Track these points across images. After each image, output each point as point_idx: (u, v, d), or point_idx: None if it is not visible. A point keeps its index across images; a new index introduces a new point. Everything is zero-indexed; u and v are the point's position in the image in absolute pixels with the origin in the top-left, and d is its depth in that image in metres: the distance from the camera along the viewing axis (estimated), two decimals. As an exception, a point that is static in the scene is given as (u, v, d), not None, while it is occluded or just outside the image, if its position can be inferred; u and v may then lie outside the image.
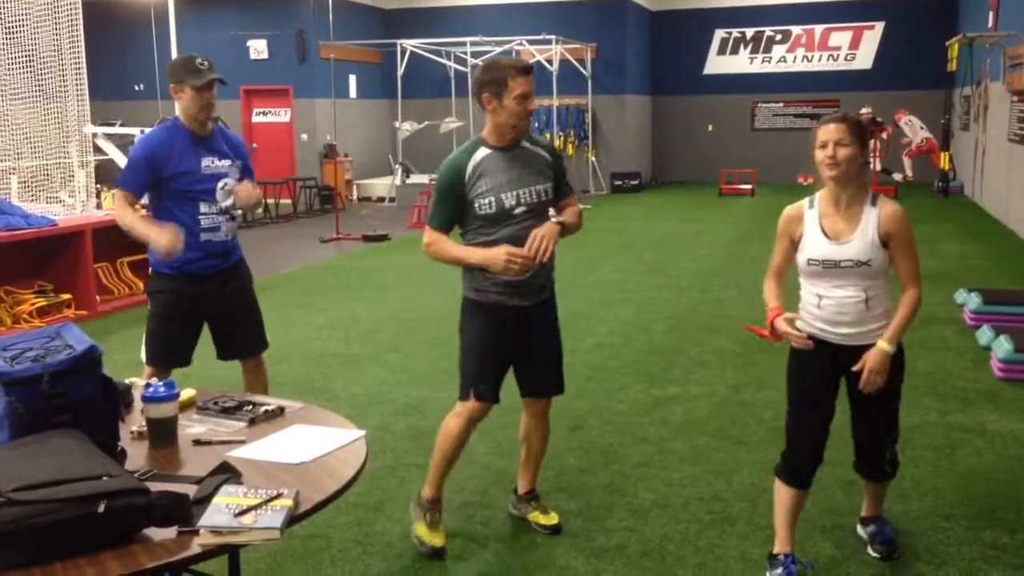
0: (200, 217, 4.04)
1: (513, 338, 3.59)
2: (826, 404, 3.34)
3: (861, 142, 3.18)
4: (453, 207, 3.48)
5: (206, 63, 4.02)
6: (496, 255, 3.35)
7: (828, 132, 3.16)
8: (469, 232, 3.54)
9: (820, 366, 3.30)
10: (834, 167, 3.14)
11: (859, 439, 3.44)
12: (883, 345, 3.17)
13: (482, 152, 3.48)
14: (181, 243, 3.86)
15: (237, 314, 4.25)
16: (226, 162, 4.11)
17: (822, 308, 3.24)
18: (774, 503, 3.44)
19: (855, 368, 3.19)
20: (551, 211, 3.48)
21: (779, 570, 3.35)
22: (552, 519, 3.82)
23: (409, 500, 4.05)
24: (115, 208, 4.14)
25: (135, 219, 4.06)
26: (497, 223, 3.45)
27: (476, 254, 3.44)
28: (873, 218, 3.18)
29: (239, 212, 4.23)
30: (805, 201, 3.32)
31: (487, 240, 3.46)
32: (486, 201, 3.43)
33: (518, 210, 3.45)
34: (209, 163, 4.06)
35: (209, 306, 4.16)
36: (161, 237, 3.83)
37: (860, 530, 3.69)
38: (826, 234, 3.21)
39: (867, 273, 3.18)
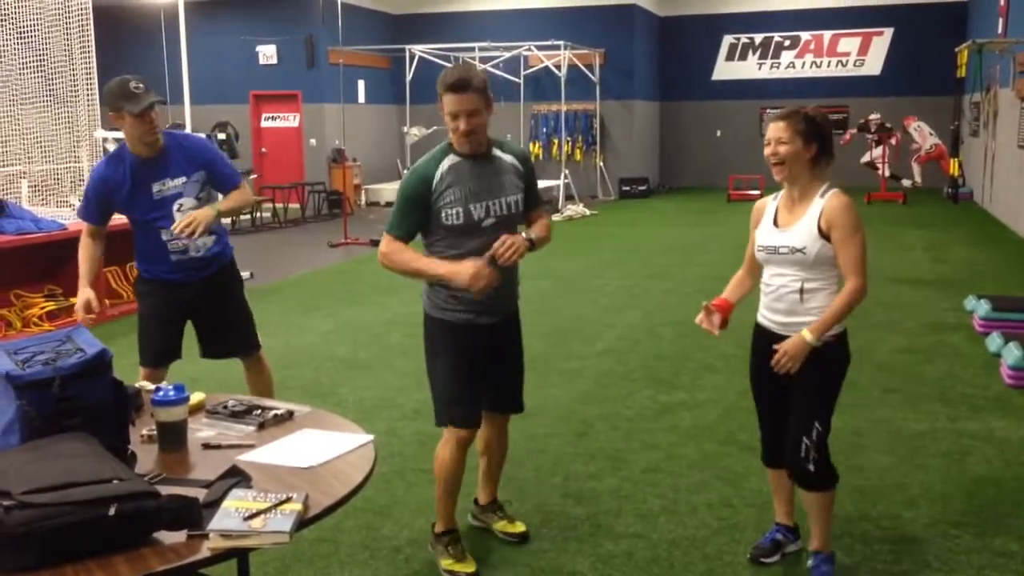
0: (165, 242, 4.02)
1: (487, 356, 3.48)
2: (773, 389, 3.40)
3: (807, 138, 3.18)
4: (418, 216, 3.30)
5: (141, 86, 3.85)
6: (463, 269, 3.18)
7: (770, 130, 3.23)
8: (434, 244, 3.36)
9: (764, 353, 3.35)
10: (776, 165, 3.22)
11: (789, 432, 3.34)
12: (804, 333, 3.17)
13: (451, 160, 3.31)
14: (92, 317, 3.91)
15: (220, 320, 4.25)
16: (179, 180, 3.99)
17: (766, 295, 3.36)
18: None
19: (775, 346, 3.22)
20: (523, 231, 3.38)
21: (767, 535, 3.63)
22: (519, 527, 3.78)
23: (416, 504, 4.07)
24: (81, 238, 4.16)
25: (82, 262, 4.08)
26: (464, 235, 3.29)
27: (441, 266, 3.25)
28: (817, 209, 3.21)
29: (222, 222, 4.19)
30: (771, 196, 3.42)
31: (454, 254, 3.29)
32: (453, 212, 3.26)
33: (487, 222, 3.29)
34: (160, 187, 3.97)
35: (191, 309, 4.18)
36: (80, 297, 3.94)
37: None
38: (776, 224, 3.30)
39: (802, 262, 3.20)
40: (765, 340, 3.35)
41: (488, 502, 3.86)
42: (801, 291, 3.22)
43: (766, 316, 3.37)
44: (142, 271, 4.19)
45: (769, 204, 3.39)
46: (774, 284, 3.30)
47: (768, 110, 20.95)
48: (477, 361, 3.44)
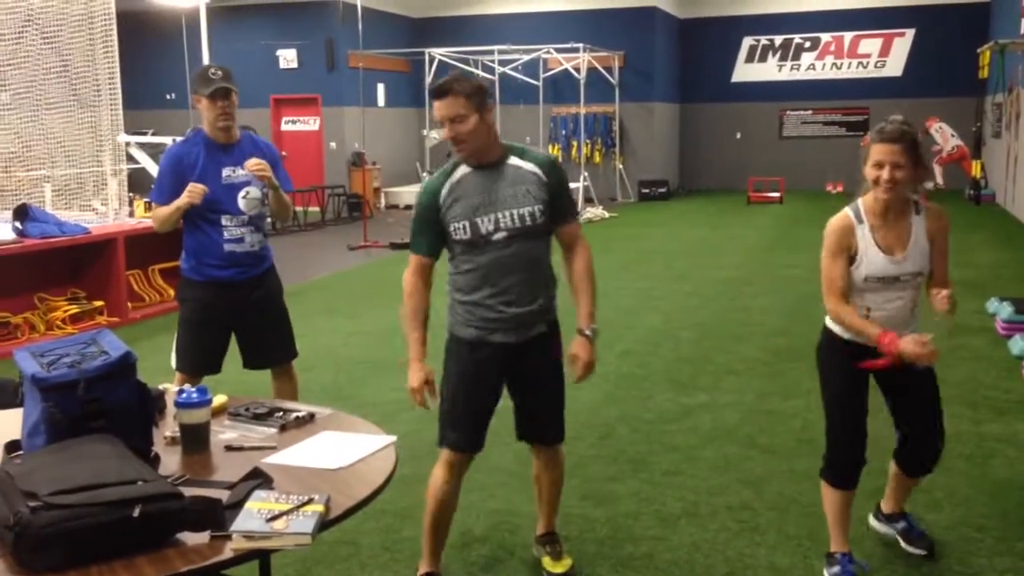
0: (223, 229, 4.09)
1: (499, 378, 3.27)
2: (865, 404, 3.35)
3: (916, 160, 3.11)
4: (433, 233, 3.18)
5: (219, 72, 4.05)
6: (411, 376, 3.16)
7: (885, 152, 3.07)
8: (455, 258, 3.23)
9: (862, 371, 3.28)
10: (890, 190, 3.09)
11: (917, 439, 3.44)
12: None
13: (461, 172, 3.16)
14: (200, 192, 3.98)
15: (264, 323, 4.28)
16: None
17: (871, 320, 3.22)
18: (824, 505, 3.46)
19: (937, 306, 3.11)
20: (582, 325, 3.24)
21: (836, 568, 3.40)
22: (560, 566, 3.49)
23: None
24: (152, 218, 4.25)
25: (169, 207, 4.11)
26: (475, 249, 3.15)
27: (411, 352, 3.20)
28: (921, 228, 3.20)
29: (268, 221, 4.27)
30: (849, 212, 3.23)
31: (470, 268, 3.17)
32: (460, 226, 3.12)
33: (497, 236, 3.12)
34: (230, 173, 4.10)
35: (236, 315, 4.21)
36: (194, 193, 3.98)
37: (880, 526, 3.72)
38: (880, 248, 3.18)
39: (918, 283, 3.23)
40: (870, 357, 3.23)
41: (542, 534, 3.59)
42: (913, 309, 3.24)
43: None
44: (189, 271, 4.20)
45: (857, 228, 3.18)
46: (888, 309, 3.21)
47: (788, 112, 20.89)
48: (478, 383, 3.25)
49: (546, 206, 3.17)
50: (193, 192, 3.98)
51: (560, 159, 19.30)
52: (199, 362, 4.20)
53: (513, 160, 3.18)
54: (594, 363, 3.26)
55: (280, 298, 4.39)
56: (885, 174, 3.07)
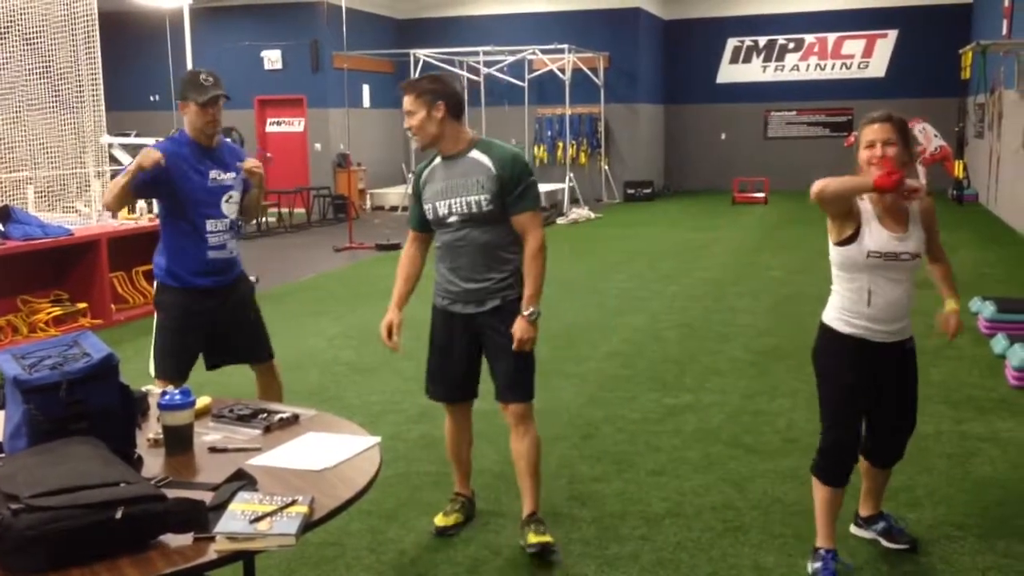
0: (207, 235, 4.04)
1: (468, 345, 3.70)
2: (866, 403, 3.38)
3: (904, 140, 3.23)
4: (420, 209, 3.70)
5: (211, 79, 3.99)
6: (384, 320, 3.71)
7: (875, 132, 3.22)
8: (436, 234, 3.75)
9: (864, 365, 3.31)
10: (884, 167, 3.16)
11: (889, 428, 3.47)
12: (953, 304, 3.42)
13: (436, 161, 3.66)
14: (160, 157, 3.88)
15: (240, 325, 4.25)
16: (231, 175, 4.11)
17: (872, 306, 3.25)
18: (815, 501, 3.45)
19: (942, 327, 3.37)
20: (524, 307, 3.54)
21: (819, 564, 3.41)
22: (543, 538, 3.58)
23: (421, 507, 4.09)
24: (106, 192, 4.18)
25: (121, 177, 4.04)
26: (439, 228, 3.65)
27: (392, 300, 3.73)
28: (915, 213, 3.29)
29: (241, 222, 4.25)
30: None
31: (438, 245, 3.69)
32: (428, 207, 3.63)
33: (451, 219, 3.58)
34: (216, 176, 4.07)
35: (213, 319, 4.16)
36: (147, 155, 3.88)
37: (862, 531, 3.74)
38: (887, 228, 3.25)
39: (915, 266, 3.28)
40: (872, 353, 3.29)
41: (525, 516, 3.70)
42: (909, 297, 3.30)
43: (871, 328, 3.27)
44: (167, 278, 4.12)
45: (860, 203, 3.26)
46: (889, 294, 3.24)
47: (772, 112, 20.97)
48: (444, 343, 3.73)
49: (495, 196, 3.52)
50: (144, 156, 3.85)
51: (536, 158, 19.46)
52: (180, 368, 4.13)
53: (474, 153, 3.57)
54: (529, 340, 3.56)
55: (252, 300, 4.35)
56: (878, 151, 3.18)
